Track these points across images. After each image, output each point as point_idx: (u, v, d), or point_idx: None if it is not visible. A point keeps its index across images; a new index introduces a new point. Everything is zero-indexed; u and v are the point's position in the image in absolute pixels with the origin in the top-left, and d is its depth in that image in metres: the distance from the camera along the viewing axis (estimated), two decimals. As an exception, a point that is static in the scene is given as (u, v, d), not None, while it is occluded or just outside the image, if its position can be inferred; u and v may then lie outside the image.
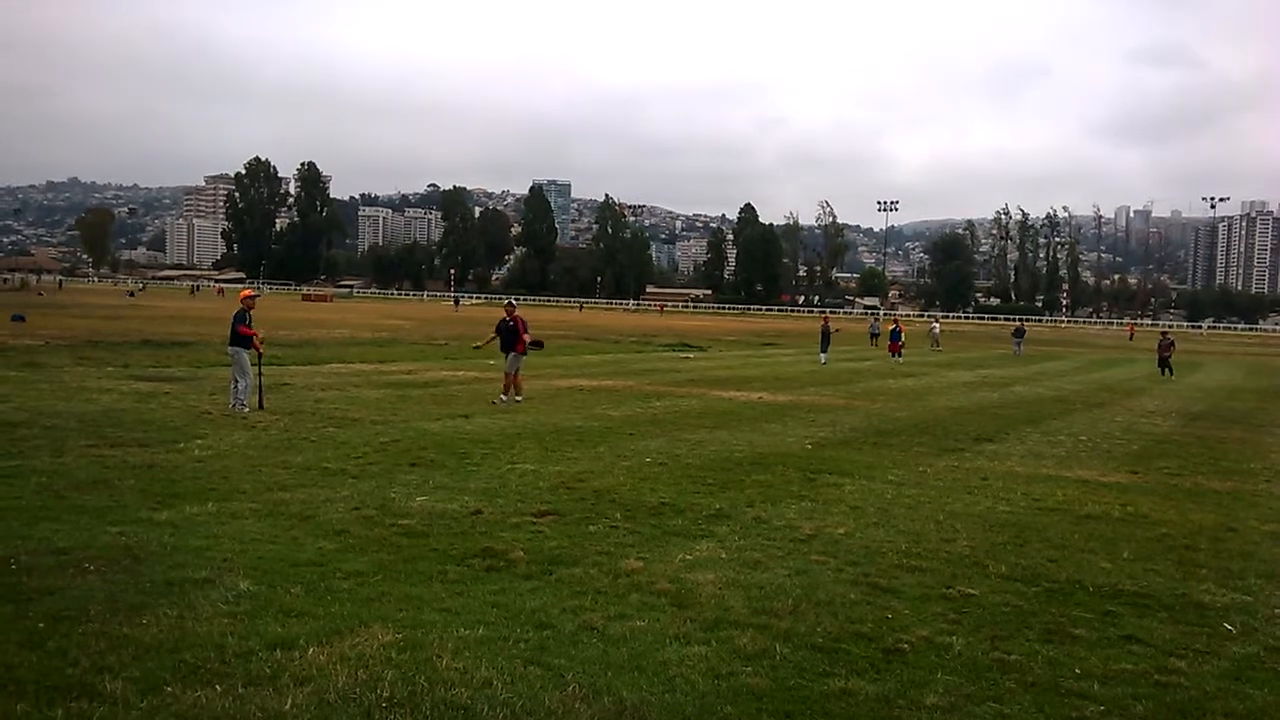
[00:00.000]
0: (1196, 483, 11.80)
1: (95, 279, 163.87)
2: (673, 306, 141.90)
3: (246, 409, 14.51)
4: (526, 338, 18.14)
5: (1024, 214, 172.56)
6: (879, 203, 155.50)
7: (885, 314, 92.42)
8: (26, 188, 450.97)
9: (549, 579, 6.48)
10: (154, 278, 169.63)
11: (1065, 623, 5.99)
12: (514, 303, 19.19)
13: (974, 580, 6.90)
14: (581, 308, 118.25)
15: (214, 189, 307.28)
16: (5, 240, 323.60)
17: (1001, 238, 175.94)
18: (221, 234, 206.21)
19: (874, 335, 50.07)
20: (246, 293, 16.43)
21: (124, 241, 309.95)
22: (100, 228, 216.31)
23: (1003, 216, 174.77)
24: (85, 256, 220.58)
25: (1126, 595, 6.68)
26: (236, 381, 14.94)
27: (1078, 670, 5.17)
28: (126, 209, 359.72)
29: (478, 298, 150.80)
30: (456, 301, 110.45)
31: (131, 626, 5.14)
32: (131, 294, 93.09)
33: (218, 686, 4.43)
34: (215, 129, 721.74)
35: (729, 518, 8.62)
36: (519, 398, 17.48)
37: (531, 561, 6.85)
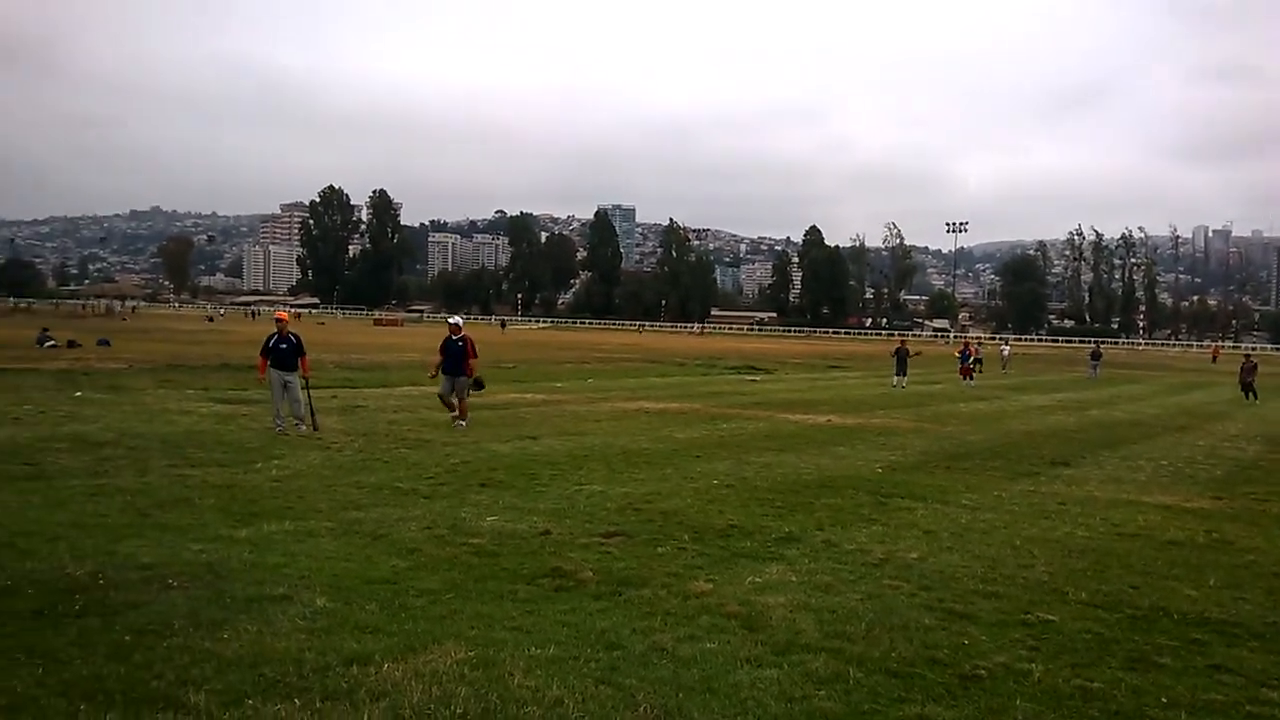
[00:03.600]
0: (1286, 509, 11.37)
1: (177, 305, 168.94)
2: (735, 329, 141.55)
3: (281, 426, 14.73)
4: (474, 362, 17.05)
5: (1098, 234, 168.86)
6: (948, 224, 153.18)
7: (971, 338, 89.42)
8: (112, 217, 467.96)
9: (618, 599, 6.48)
10: (231, 304, 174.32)
11: (1149, 651, 5.80)
12: (460, 321, 17.71)
13: (1053, 607, 6.73)
14: (641, 330, 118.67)
15: (289, 216, 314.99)
16: (92, 269, 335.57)
17: (1075, 259, 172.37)
18: (296, 260, 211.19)
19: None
20: (281, 315, 16.56)
21: (203, 268, 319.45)
22: (181, 255, 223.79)
23: (1076, 237, 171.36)
24: (167, 283, 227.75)
25: (1214, 623, 6.45)
26: (290, 401, 15.10)
27: (1164, 699, 5.00)
28: (206, 237, 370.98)
29: (544, 321, 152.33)
30: (504, 324, 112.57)
31: (213, 641, 5.26)
32: (210, 319, 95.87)
33: (296, 700, 4.52)
34: (290, 158, 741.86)
35: (798, 541, 8.54)
36: (462, 422, 16.23)
37: (601, 582, 6.86)
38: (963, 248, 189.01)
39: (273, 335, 15.39)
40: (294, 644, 5.26)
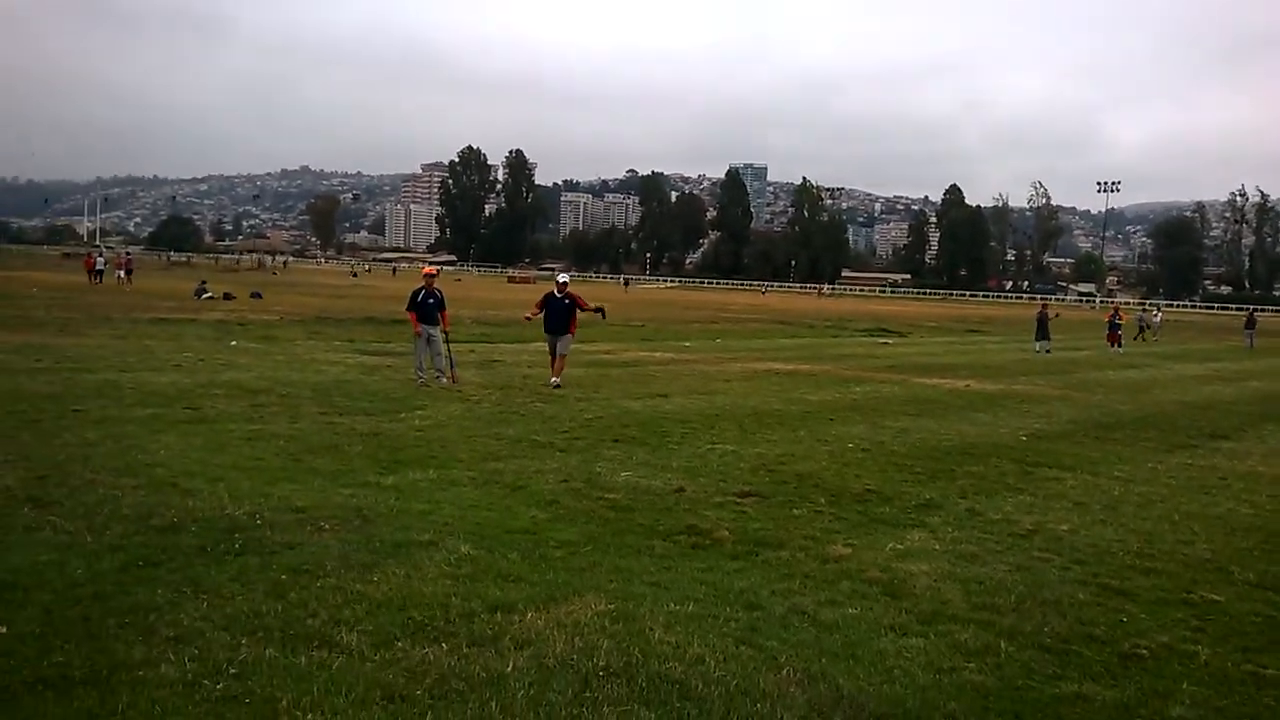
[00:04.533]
0: None
1: (323, 260, 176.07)
2: (867, 290, 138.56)
3: (422, 378, 15.07)
4: (590, 305, 16.88)
5: (1263, 195, 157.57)
6: (1099, 183, 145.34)
7: (1148, 304, 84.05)
8: (264, 175, 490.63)
9: (755, 560, 6.41)
10: (374, 260, 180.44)
11: (1331, 639, 5.40)
12: (566, 280, 17.16)
13: (1217, 586, 6.33)
14: (765, 291, 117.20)
15: (429, 176, 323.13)
16: (245, 225, 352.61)
17: (1236, 221, 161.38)
18: (435, 219, 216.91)
19: (1143, 328, 46.64)
20: (429, 270, 16.77)
21: (348, 226, 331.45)
22: (327, 213, 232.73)
23: (1238, 198, 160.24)
24: (314, 239, 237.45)
25: (1403, 613, 5.95)
26: (432, 353, 15.39)
27: (1350, 693, 4.64)
28: (351, 195, 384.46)
29: (670, 281, 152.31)
30: (626, 283, 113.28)
31: (364, 583, 5.44)
32: (354, 275, 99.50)
33: (444, 645, 4.62)
34: (432, 119, 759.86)
35: (940, 508, 8.29)
36: (556, 380, 15.64)
37: (737, 541, 6.81)
38: (1113, 208, 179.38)
39: (420, 290, 15.77)
40: (440, 589, 5.39)
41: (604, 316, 19.79)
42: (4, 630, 4.49)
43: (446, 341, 15.75)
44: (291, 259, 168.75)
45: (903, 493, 8.84)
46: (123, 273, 49.29)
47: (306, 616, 4.91)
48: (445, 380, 15.13)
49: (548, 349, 16.55)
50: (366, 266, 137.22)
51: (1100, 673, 4.73)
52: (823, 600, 5.59)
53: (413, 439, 10.31)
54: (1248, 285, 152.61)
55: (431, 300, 15.60)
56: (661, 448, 10.61)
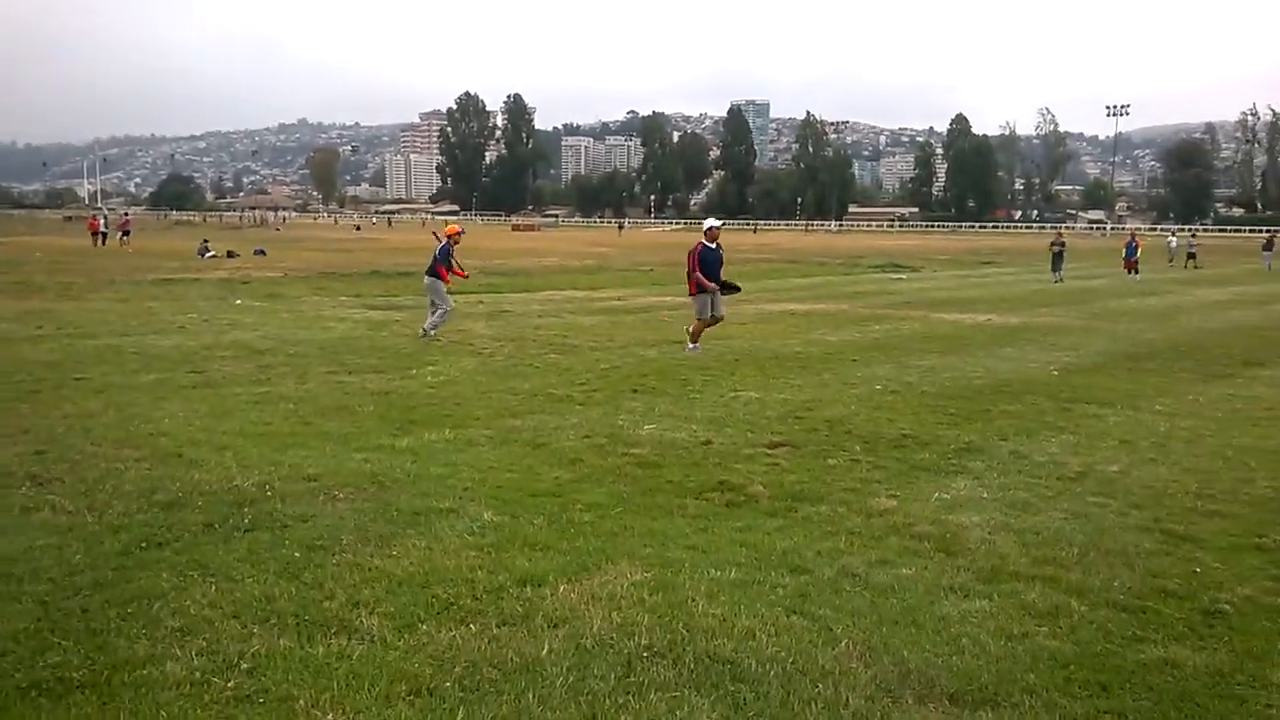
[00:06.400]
0: None
1: (325, 214, 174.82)
2: (875, 226, 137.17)
3: (433, 335, 14.57)
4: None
5: (1274, 113, 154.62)
6: (1108, 107, 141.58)
7: (1179, 230, 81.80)
8: (261, 130, 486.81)
9: (795, 516, 6.04)
10: (376, 212, 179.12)
11: None
12: (719, 225, 14.84)
13: (1289, 529, 5.94)
14: (755, 230, 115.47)
15: (428, 125, 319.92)
16: (246, 181, 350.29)
17: (1247, 141, 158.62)
18: (436, 169, 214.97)
19: (1191, 254, 45.10)
20: (453, 229, 16.11)
21: (349, 178, 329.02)
22: (327, 166, 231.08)
23: (1249, 117, 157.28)
24: (315, 193, 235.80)
25: None
26: (435, 308, 14.96)
27: None
28: (350, 147, 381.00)
29: (677, 223, 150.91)
30: (620, 227, 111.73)
31: (382, 558, 5.09)
32: (358, 228, 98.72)
33: (472, 626, 4.27)
34: (428, 66, 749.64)
35: (982, 452, 7.90)
36: (695, 347, 13.81)
37: (774, 497, 6.43)
38: (1121, 133, 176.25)
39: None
40: (464, 562, 5.04)
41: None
42: (-3, 627, 4.15)
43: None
44: (294, 214, 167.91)
45: (940, 436, 8.45)
46: (122, 234, 48.78)
47: (323, 599, 4.56)
48: (431, 331, 14.67)
49: (701, 312, 13.98)
50: (373, 220, 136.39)
51: (1184, 633, 4.36)
52: (873, 560, 5.21)
53: (425, 397, 9.93)
54: (1260, 206, 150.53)
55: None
56: (683, 397, 10.22)
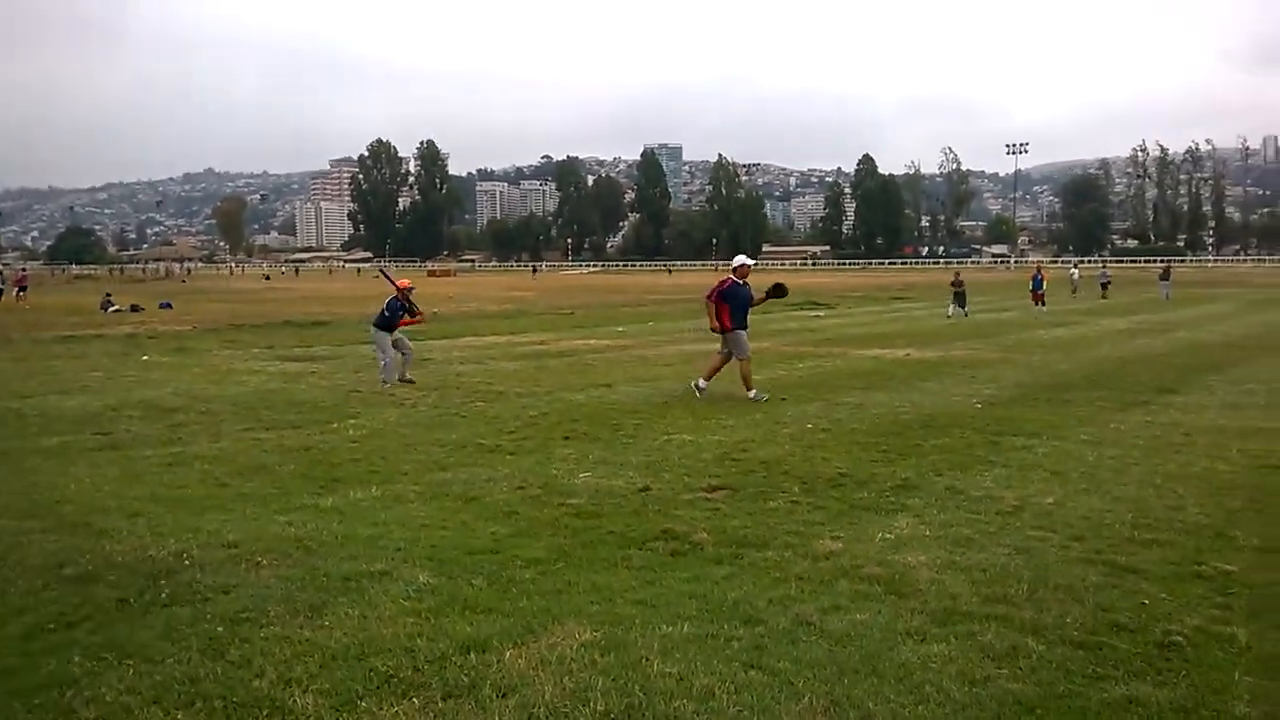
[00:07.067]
0: None
1: (233, 264, 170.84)
2: (790, 265, 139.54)
3: (387, 385, 14.53)
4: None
5: (1163, 150, 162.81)
6: (1008, 145, 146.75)
7: (1079, 262, 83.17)
8: (165, 180, 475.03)
9: (742, 563, 5.90)
10: (286, 261, 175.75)
11: (1360, 608, 5.09)
12: (748, 262, 14.01)
13: (1225, 555, 6.01)
14: (670, 272, 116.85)
15: (339, 172, 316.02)
16: (150, 233, 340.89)
17: (1139, 176, 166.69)
18: (348, 215, 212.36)
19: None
20: (405, 283, 16.13)
21: (257, 227, 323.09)
22: (235, 215, 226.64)
23: (1140, 154, 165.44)
24: (223, 243, 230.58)
25: None
26: (383, 357, 14.97)
27: (1405, 670, 4.31)
28: (259, 195, 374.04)
29: (595, 265, 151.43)
30: (534, 270, 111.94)
31: (314, 629, 4.78)
32: (267, 277, 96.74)
33: (415, 700, 4.01)
34: (337, 114, 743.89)
35: (919, 488, 7.89)
36: (753, 393, 13.17)
37: (718, 544, 6.28)
38: (1020, 170, 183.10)
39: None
40: (402, 629, 4.77)
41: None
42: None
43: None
44: (200, 265, 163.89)
45: (876, 474, 8.43)
46: (18, 290, 46.82)
47: (251, 678, 4.24)
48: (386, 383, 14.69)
49: (744, 350, 13.53)
50: (281, 269, 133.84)
51: (1143, 668, 4.32)
52: (826, 606, 5.09)
53: (348, 452, 9.57)
54: (1153, 238, 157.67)
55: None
56: (615, 442, 10.05)
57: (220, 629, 4.79)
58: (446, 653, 4.48)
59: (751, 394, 13.17)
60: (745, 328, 13.63)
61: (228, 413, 12.06)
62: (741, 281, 13.68)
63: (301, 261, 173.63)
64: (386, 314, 15.20)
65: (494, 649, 4.52)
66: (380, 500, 7.51)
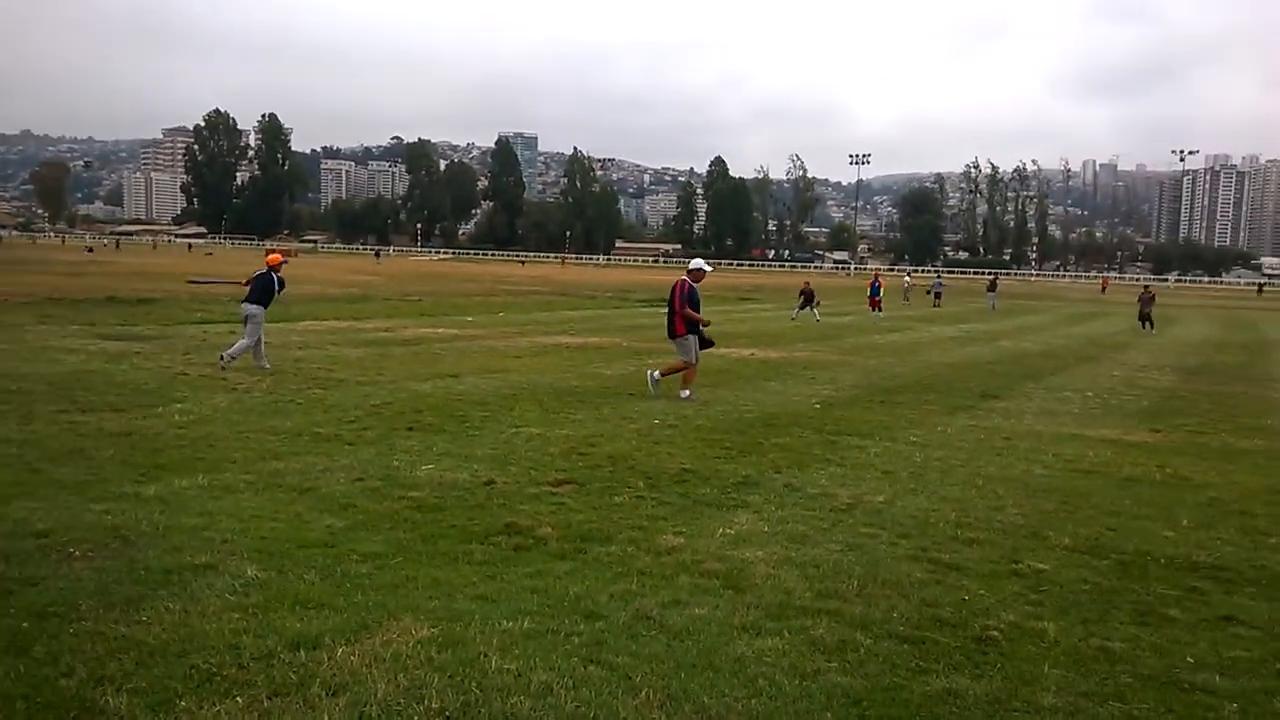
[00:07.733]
0: (1224, 441, 11.43)
1: (52, 235, 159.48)
2: (641, 261, 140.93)
3: (267, 364, 14.29)
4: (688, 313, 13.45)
5: (994, 167, 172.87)
6: (851, 156, 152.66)
7: (913, 270, 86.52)
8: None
9: (585, 558, 5.90)
10: (112, 233, 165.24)
11: (1154, 602, 5.51)
12: (704, 267, 14.08)
13: (1039, 554, 6.40)
14: (524, 263, 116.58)
15: (172, 142, 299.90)
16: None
17: (971, 191, 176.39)
18: (181, 188, 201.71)
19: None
20: (275, 258, 15.48)
21: (80, 196, 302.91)
22: (56, 182, 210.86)
23: (972, 170, 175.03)
24: (41, 211, 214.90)
25: (1204, 568, 6.21)
26: (250, 334, 14.44)
27: (1190, 659, 4.68)
28: (82, 162, 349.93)
29: (445, 252, 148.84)
30: (377, 254, 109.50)
31: (130, 625, 4.50)
32: (90, 249, 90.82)
33: (239, 699, 3.82)
34: (172, 81, 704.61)
35: (759, 485, 8.08)
36: (686, 393, 13.16)
37: (562, 539, 6.26)
38: (862, 180, 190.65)
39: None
40: (227, 625, 4.54)
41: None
42: None
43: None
44: (15, 233, 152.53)
45: (719, 470, 8.59)
46: None
47: (58, 676, 3.95)
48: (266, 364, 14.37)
49: (691, 355, 13.46)
50: (104, 241, 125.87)
51: (961, 661, 4.54)
52: (666, 601, 5.15)
53: (173, 438, 9.07)
54: (982, 251, 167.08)
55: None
56: (461, 434, 9.89)
57: (25, 624, 4.44)
58: (274, 650, 4.29)
59: (683, 394, 13.17)
60: (697, 334, 13.57)
61: (41, 393, 11.25)
62: (696, 285, 13.72)
63: (127, 234, 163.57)
64: (269, 290, 14.69)
65: (325, 646, 4.36)
66: (207, 490, 7.15)
